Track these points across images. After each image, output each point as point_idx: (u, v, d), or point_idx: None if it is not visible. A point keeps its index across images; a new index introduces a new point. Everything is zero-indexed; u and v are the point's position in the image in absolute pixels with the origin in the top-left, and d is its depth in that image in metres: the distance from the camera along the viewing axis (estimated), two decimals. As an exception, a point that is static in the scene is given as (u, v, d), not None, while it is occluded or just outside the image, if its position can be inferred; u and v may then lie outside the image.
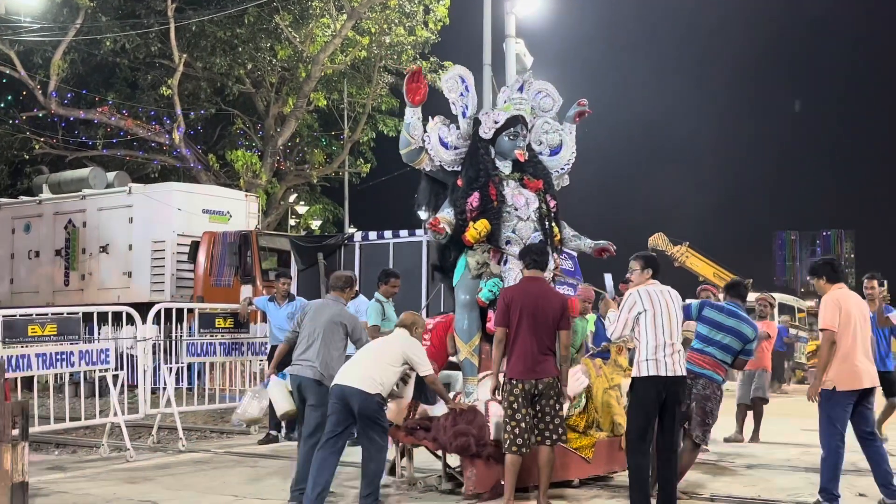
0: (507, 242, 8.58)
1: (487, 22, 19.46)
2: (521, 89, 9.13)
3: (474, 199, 8.61)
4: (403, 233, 18.04)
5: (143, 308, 12.71)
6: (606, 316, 8.70)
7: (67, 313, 11.04)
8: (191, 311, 12.97)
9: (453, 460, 8.31)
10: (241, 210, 21.93)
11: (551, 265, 8.58)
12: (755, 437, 11.97)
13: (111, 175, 23.71)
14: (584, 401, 8.69)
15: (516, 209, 8.68)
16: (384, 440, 7.62)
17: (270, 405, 9.24)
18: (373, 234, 18.28)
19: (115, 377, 10.75)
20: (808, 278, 8.76)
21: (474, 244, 8.59)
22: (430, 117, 8.92)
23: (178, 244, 20.25)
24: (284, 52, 27.83)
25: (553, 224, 8.89)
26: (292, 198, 34.45)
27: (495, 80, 9.51)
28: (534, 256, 7.75)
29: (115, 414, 10.53)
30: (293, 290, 17.34)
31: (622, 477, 8.35)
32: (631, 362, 8.41)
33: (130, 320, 11.90)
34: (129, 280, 20.59)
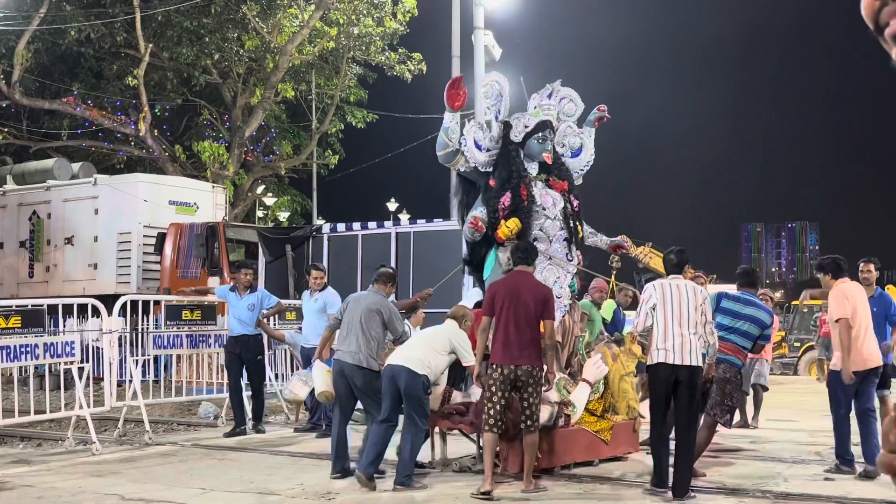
0: (535, 240, 9.16)
1: (456, 13, 19.50)
2: (549, 96, 9.89)
3: (506, 199, 9.17)
4: (372, 224, 18.02)
5: (109, 300, 12.62)
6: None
7: (32, 305, 10.95)
8: (157, 303, 12.90)
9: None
10: (208, 201, 21.82)
11: (575, 261, 9.56)
12: (755, 423, 12.21)
13: (76, 166, 23.52)
14: (602, 387, 9.25)
15: (544, 208, 9.34)
16: (424, 423, 8.14)
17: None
18: (341, 226, 18.25)
19: (81, 370, 10.65)
20: (816, 274, 9.49)
21: (505, 241, 9.10)
22: (465, 121, 9.55)
23: (144, 236, 20.13)
24: (252, 43, 27.68)
25: (577, 222, 9.59)
26: (260, 189, 34.30)
27: (513, 82, 9.98)
28: (520, 253, 8.22)
29: (81, 407, 10.45)
30: (260, 282, 17.33)
31: (637, 457, 9.28)
32: (644, 350, 9.01)
33: (96, 312, 11.81)
34: (94, 272, 20.44)
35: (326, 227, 18.55)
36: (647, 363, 7.86)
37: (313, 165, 33.44)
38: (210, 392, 13.25)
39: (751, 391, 12.13)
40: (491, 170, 9.49)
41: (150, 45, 26.24)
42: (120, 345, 11.86)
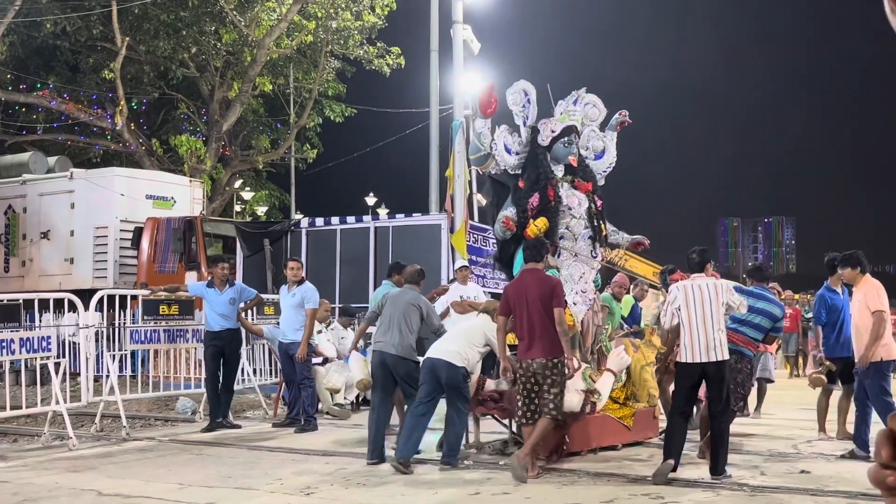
0: (562, 237, 9.92)
1: (434, 7, 19.47)
2: (575, 102, 10.51)
3: (535, 199, 9.79)
4: (351, 219, 18.02)
5: (85, 295, 12.53)
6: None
7: (8, 300, 10.86)
8: (134, 297, 12.83)
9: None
10: (185, 196, 21.70)
11: (599, 257, 10.24)
12: (757, 414, 12.35)
13: (52, 160, 23.34)
14: (624, 376, 9.87)
15: (570, 208, 9.98)
16: (466, 408, 8.83)
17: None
18: (319, 221, 18.23)
19: (57, 365, 10.59)
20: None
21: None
22: (496, 126, 10.08)
23: (121, 230, 20.01)
24: (229, 36, 27.54)
25: (601, 221, 10.21)
26: (238, 183, 34.16)
27: (539, 90, 10.48)
28: (528, 251, 8.74)
29: (57, 402, 10.37)
30: (238, 276, 17.28)
31: (657, 441, 9.68)
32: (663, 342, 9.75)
33: (72, 307, 11.72)
34: (70, 266, 20.31)
35: (305, 222, 18.53)
36: (676, 360, 8.42)
37: (291, 160, 33.35)
38: (188, 387, 13.19)
39: (755, 384, 12.27)
40: (520, 172, 10.11)
41: (127, 39, 26.06)
42: (97, 340, 11.78)
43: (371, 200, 42.37)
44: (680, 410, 8.21)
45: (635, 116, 11.20)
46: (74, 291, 13.19)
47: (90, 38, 26.86)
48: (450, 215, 16.82)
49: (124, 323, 12.27)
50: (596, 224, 10.11)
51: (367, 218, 18.85)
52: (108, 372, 11.44)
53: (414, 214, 18.12)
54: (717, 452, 8.01)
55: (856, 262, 9.12)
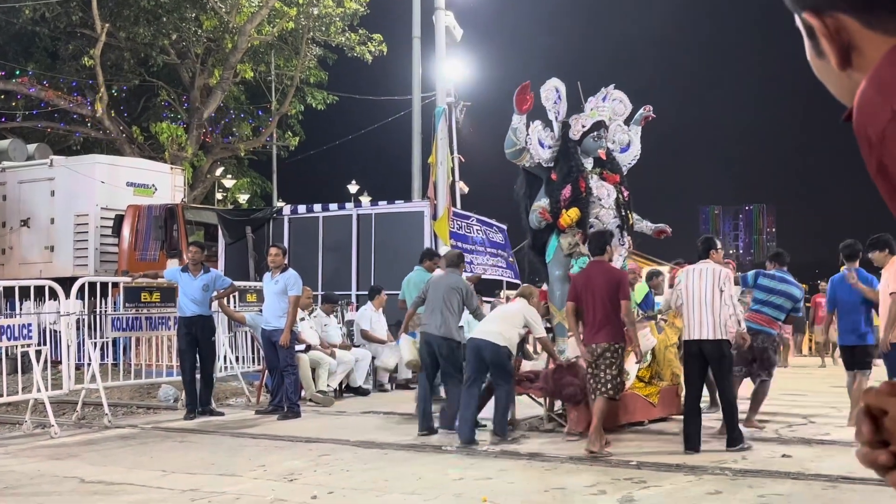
0: (591, 227, 10.50)
1: (417, -6, 19.38)
2: (604, 99, 11.14)
3: (567, 191, 10.45)
4: (333, 206, 17.97)
5: (66, 283, 12.46)
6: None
7: (-12, 288, 10.78)
8: (115, 285, 12.77)
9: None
10: (166, 183, 21.59)
11: (626, 244, 10.89)
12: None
13: (32, 147, 23.18)
14: (650, 356, 10.56)
15: (600, 199, 10.67)
16: (510, 385, 9.54)
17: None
18: (302, 208, 18.16)
19: (39, 353, 10.54)
20: (869, 253, 9.86)
21: (566, 228, 10.40)
22: (530, 122, 10.63)
23: (101, 218, 19.89)
24: (210, 23, 27.38)
25: (628, 211, 10.94)
26: (219, 171, 33.98)
27: (569, 88, 11.19)
28: (591, 245, 9.48)
29: (39, 390, 10.33)
30: (220, 264, 17.23)
31: (679, 418, 9.98)
32: None
33: (53, 295, 11.66)
34: (51, 254, 20.20)
35: (287, 209, 18.47)
36: (683, 339, 9.23)
37: (273, 147, 33.21)
38: (170, 375, 13.14)
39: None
40: (552, 165, 10.72)
41: (107, 25, 25.86)
42: (78, 328, 11.72)
43: (353, 188, 42.22)
44: (690, 406, 8.88)
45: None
46: (55, 279, 13.09)
47: (69, 24, 26.65)
48: (433, 202, 16.81)
49: (106, 310, 12.21)
50: (623, 213, 10.86)
51: (349, 205, 18.81)
52: (90, 360, 11.38)
53: (396, 202, 18.10)
54: (729, 427, 8.74)
55: (884, 244, 9.31)
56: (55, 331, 12.60)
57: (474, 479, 7.51)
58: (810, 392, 13.57)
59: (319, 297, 15.21)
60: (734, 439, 8.67)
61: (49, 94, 27.29)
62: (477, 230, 18.25)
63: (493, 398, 9.58)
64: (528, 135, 10.58)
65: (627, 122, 11.53)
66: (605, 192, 10.73)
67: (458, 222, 17.46)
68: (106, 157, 23.54)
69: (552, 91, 10.86)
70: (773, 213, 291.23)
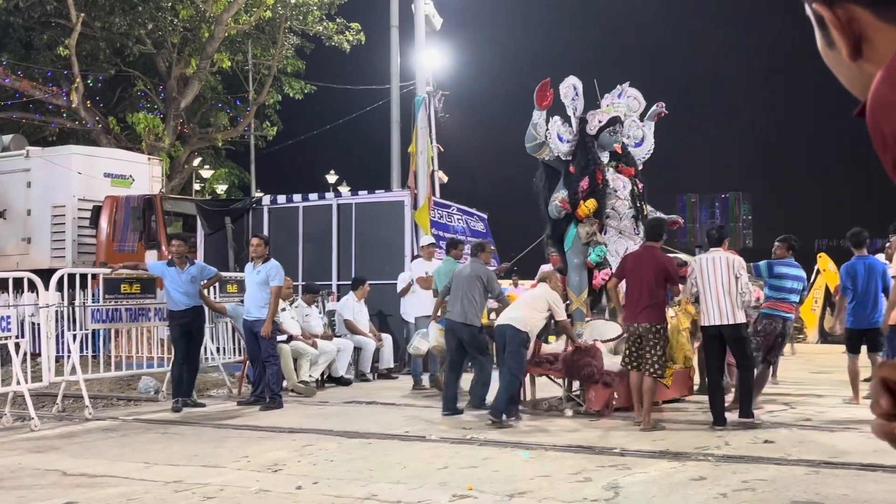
0: (608, 217, 11.29)
1: (395, -18, 19.30)
2: (619, 96, 11.80)
3: (584, 183, 11.06)
4: (313, 196, 17.89)
5: (43, 275, 12.35)
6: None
7: (-35, 280, 10.66)
8: (94, 277, 12.67)
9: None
10: (144, 174, 21.42)
11: (640, 234, 11.08)
12: (774, 380, 12.69)
13: (7, 138, 22.91)
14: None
15: (616, 191, 11.31)
16: (520, 367, 9.92)
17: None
18: (282, 198, 18.08)
19: (17, 345, 10.44)
20: (891, 236, 10.98)
21: (584, 218, 11.04)
22: (549, 118, 11.23)
23: (79, 209, 19.72)
24: (186, 12, 27.17)
25: (642, 202, 11.56)
26: (196, 161, 33.79)
27: (586, 85, 11.81)
28: (650, 231, 9.89)
29: (18, 382, 10.24)
30: (199, 255, 17.13)
31: (691, 398, 11.31)
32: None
33: (32, 287, 11.55)
34: (28, 246, 20.01)
35: (267, 199, 18.38)
36: (701, 325, 9.69)
37: (251, 137, 33.04)
38: (150, 366, 13.06)
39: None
40: (570, 158, 11.33)
41: (82, 15, 25.63)
42: (57, 320, 11.62)
43: (332, 178, 42.06)
44: (712, 382, 9.48)
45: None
46: (32, 271, 12.98)
47: (44, 14, 26.38)
48: (413, 192, 16.77)
49: (85, 302, 12.12)
50: (638, 204, 11.48)
51: (329, 195, 18.75)
52: (70, 352, 11.30)
53: (377, 191, 18.04)
54: (743, 399, 9.42)
55: None
56: (34, 323, 12.49)
57: (459, 467, 7.51)
58: (789, 378, 13.65)
59: (300, 288, 15.15)
60: (745, 411, 9.32)
61: (24, 84, 27.01)
62: (458, 219, 18.23)
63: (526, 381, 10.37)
64: (547, 130, 11.18)
65: (641, 117, 12.11)
66: (620, 184, 11.32)
67: (439, 211, 17.44)
68: (83, 147, 23.28)
69: (570, 88, 11.41)
70: (749, 200, 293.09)
